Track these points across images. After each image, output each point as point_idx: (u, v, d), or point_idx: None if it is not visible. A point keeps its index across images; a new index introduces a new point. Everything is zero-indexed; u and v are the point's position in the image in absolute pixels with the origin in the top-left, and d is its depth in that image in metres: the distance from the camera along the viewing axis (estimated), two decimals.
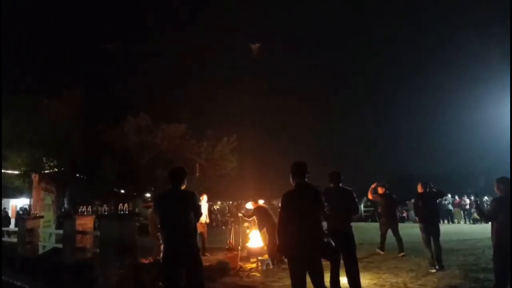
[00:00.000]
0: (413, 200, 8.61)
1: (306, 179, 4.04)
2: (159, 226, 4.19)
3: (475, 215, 18.68)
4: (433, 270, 6.73)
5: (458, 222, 20.05)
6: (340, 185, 5.34)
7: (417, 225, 7.39)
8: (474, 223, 18.89)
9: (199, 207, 4.30)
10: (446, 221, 20.15)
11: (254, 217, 8.61)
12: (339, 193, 5.27)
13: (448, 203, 20.73)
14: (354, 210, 5.36)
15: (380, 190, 9.24)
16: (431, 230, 7.01)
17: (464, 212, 20.56)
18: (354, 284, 4.96)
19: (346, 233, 5.06)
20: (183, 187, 4.27)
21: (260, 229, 8.44)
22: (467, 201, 20.65)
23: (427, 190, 7.39)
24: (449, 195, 21.15)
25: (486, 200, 18.98)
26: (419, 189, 7.45)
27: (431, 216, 7.18)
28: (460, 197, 21.41)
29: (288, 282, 6.47)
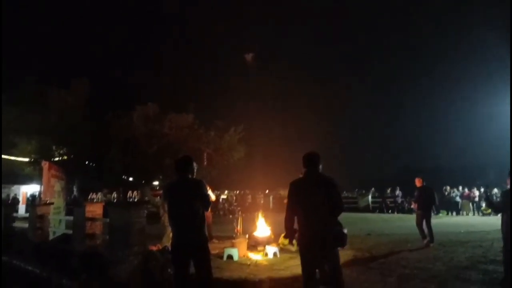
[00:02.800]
0: (416, 192, 9.50)
1: (319, 169, 3.95)
2: (167, 215, 4.17)
3: (484, 207, 18.55)
4: (425, 241, 8.56)
5: (467, 214, 19.91)
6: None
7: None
8: (483, 215, 18.76)
9: (207, 195, 4.22)
10: (454, 213, 20.04)
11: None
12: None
13: (456, 195, 20.59)
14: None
15: (418, 183, 9.24)
16: (426, 215, 8.86)
17: (473, 205, 20.40)
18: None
19: None
20: (191, 176, 4.24)
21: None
22: (476, 193, 20.47)
23: (424, 184, 9.12)
24: (460, 187, 21.07)
25: (496, 192, 18.81)
26: (418, 183, 9.14)
27: (427, 205, 9.04)
28: (469, 189, 21.25)
29: (295, 270, 6.51)
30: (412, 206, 9.39)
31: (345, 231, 3.87)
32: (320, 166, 3.99)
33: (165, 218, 8.02)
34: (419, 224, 8.90)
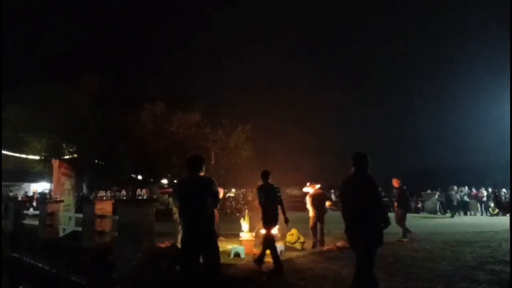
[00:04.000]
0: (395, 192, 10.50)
1: (365, 170, 4.31)
2: (178, 211, 4.30)
3: (492, 206, 18.41)
4: (411, 234, 9.57)
5: (475, 214, 19.78)
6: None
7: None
8: (491, 215, 18.62)
9: (217, 193, 4.30)
10: (462, 213, 19.92)
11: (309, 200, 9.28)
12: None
13: (464, 195, 20.45)
14: None
15: (396, 183, 10.15)
16: (404, 213, 9.84)
17: (481, 205, 20.25)
18: None
19: None
20: (201, 174, 4.34)
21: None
22: (484, 193, 20.31)
23: (401, 185, 10.05)
24: (466, 188, 20.93)
25: (505, 193, 18.65)
26: (396, 183, 10.06)
27: (406, 204, 10.27)
28: (477, 190, 21.10)
29: (300, 268, 6.56)
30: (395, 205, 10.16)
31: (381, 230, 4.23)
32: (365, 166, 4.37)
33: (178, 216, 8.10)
34: (400, 221, 9.68)
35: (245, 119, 24.73)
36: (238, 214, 18.76)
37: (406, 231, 9.70)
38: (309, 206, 9.38)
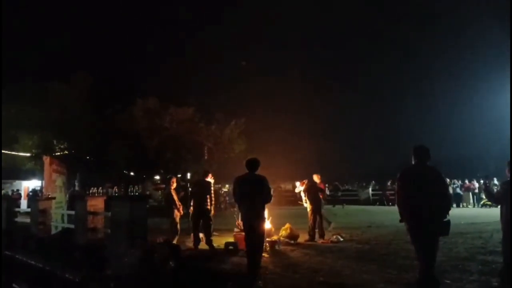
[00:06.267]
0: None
1: (426, 162, 4.54)
2: (238, 200, 5.52)
3: (484, 198, 18.56)
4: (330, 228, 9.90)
5: (467, 206, 19.98)
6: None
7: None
8: (482, 207, 18.81)
9: (269, 189, 5.47)
10: (455, 205, 20.08)
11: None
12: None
13: (457, 187, 20.62)
14: None
15: (317, 178, 9.66)
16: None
17: (473, 196, 20.46)
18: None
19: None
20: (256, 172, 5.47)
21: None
22: (476, 185, 20.52)
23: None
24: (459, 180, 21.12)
25: (496, 183, 18.79)
26: (317, 179, 9.59)
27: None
28: (469, 181, 21.30)
29: (293, 261, 6.60)
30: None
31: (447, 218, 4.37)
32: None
33: (177, 217, 8.26)
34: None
35: (239, 113, 24.62)
36: (232, 209, 18.76)
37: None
38: (305, 201, 9.44)
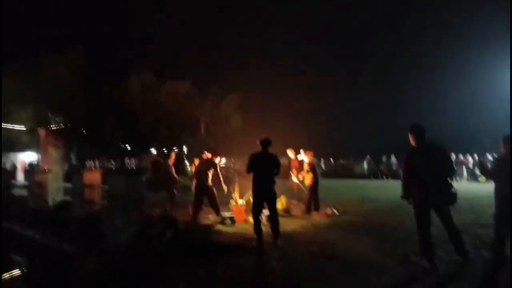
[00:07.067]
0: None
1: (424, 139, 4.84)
2: (253, 174, 6.15)
3: (478, 173, 18.71)
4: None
5: (460, 180, 20.16)
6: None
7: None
8: (475, 180, 18.99)
9: (280, 164, 6.27)
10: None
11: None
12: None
13: None
14: None
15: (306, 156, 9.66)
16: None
17: (467, 171, 20.64)
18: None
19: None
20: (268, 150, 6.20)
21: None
22: (470, 160, 20.66)
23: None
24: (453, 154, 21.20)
25: (489, 158, 18.94)
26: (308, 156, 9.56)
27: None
28: (464, 156, 21.43)
29: (287, 233, 6.68)
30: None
31: (454, 190, 4.87)
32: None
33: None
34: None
35: (237, 86, 24.40)
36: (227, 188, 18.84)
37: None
38: (305, 174, 9.46)
